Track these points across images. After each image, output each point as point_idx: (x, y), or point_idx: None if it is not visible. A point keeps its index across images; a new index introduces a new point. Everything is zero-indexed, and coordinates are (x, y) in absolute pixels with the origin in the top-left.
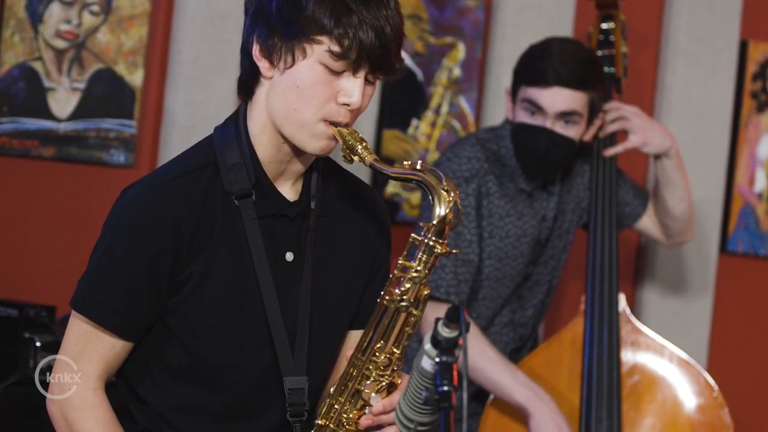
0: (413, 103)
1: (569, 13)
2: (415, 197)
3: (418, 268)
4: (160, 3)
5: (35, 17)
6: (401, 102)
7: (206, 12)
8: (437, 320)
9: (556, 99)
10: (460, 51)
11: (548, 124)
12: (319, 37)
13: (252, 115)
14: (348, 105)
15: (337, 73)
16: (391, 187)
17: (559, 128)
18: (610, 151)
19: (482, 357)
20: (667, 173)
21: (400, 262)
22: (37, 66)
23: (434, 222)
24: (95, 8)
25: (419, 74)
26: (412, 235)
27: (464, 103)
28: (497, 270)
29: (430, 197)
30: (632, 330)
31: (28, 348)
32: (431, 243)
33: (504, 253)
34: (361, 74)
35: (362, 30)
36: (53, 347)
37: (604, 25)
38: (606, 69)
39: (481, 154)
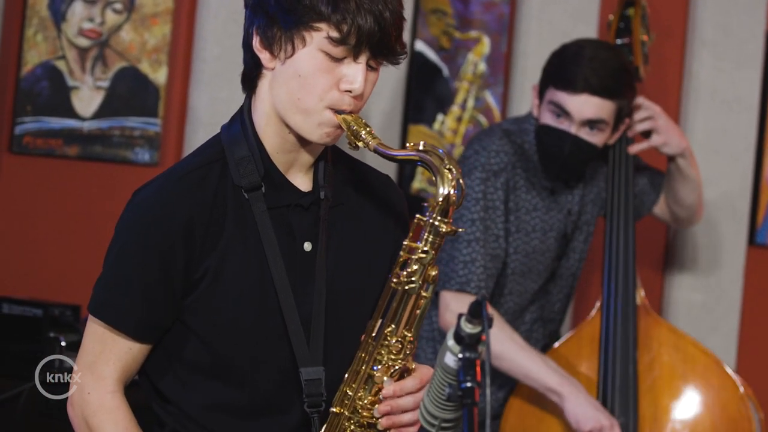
0: (439, 98)
1: (594, 7)
2: None
3: (425, 249)
4: (183, 0)
5: (58, 16)
6: (426, 97)
7: (230, 9)
8: (460, 316)
9: (584, 106)
10: (486, 45)
11: (573, 129)
12: (317, 24)
13: (256, 108)
14: (350, 92)
15: (338, 60)
16: (418, 183)
17: (584, 134)
18: (634, 149)
19: (511, 344)
20: (681, 171)
21: (405, 243)
22: (61, 65)
23: (439, 201)
24: (118, 6)
25: (444, 69)
26: (417, 215)
27: (490, 98)
28: (523, 265)
29: (434, 177)
30: (652, 323)
31: (54, 347)
32: (436, 222)
33: (531, 248)
34: (362, 60)
35: (360, 15)
36: (78, 347)
37: (626, 12)
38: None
39: (509, 148)
